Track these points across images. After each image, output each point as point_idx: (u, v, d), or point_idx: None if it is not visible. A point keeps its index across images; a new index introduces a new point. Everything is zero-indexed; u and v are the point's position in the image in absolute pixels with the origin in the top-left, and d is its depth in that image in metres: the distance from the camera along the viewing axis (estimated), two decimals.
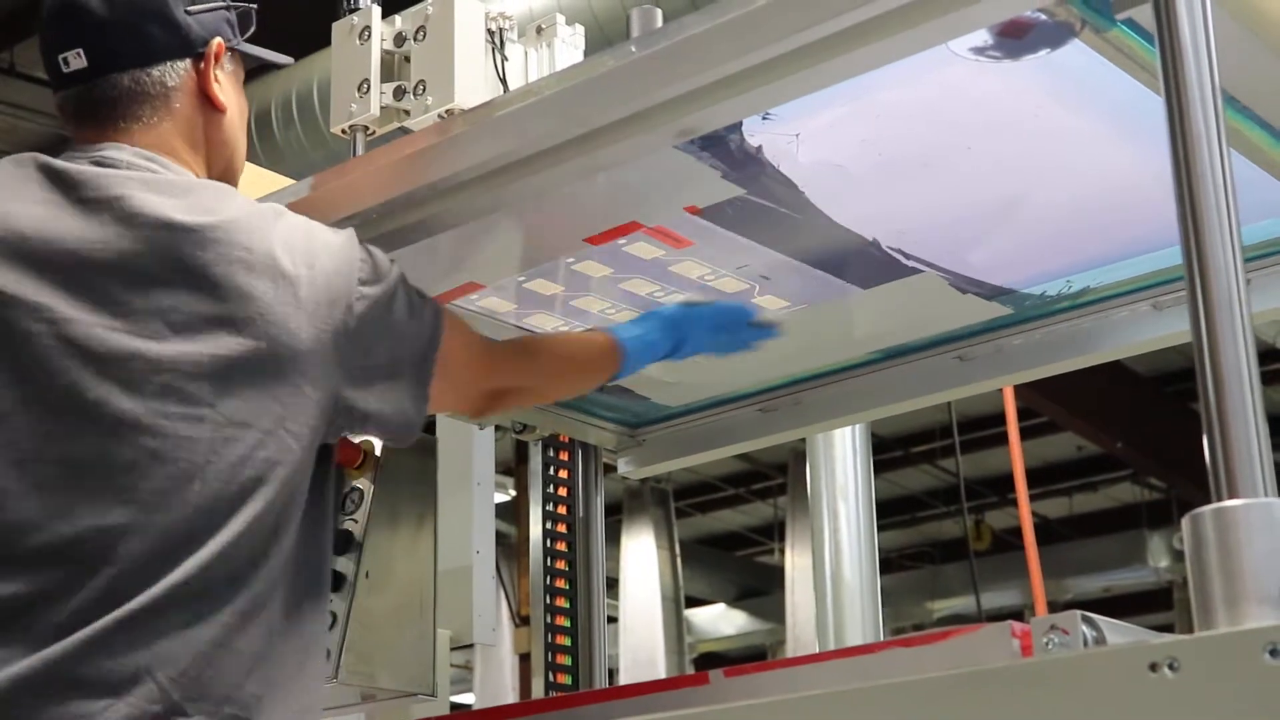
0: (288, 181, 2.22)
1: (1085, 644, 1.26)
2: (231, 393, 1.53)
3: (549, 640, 2.49)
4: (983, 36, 1.56)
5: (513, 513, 7.45)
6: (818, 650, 4.07)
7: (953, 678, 1.23)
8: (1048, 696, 1.18)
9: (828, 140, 1.77)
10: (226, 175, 1.79)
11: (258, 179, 2.52)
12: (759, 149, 1.77)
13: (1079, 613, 1.27)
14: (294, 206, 1.80)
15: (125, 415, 1.51)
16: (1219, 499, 1.19)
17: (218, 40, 1.76)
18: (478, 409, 1.93)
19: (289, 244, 1.61)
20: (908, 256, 2.03)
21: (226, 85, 1.79)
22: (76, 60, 1.70)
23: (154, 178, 1.65)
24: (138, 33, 1.71)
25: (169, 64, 1.73)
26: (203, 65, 1.75)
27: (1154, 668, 1.12)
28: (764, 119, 1.70)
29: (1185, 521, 1.20)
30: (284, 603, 1.55)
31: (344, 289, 1.62)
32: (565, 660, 2.50)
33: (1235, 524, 1.17)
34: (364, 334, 1.62)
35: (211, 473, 1.51)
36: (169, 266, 1.56)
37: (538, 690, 2.52)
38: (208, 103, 1.76)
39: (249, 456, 1.52)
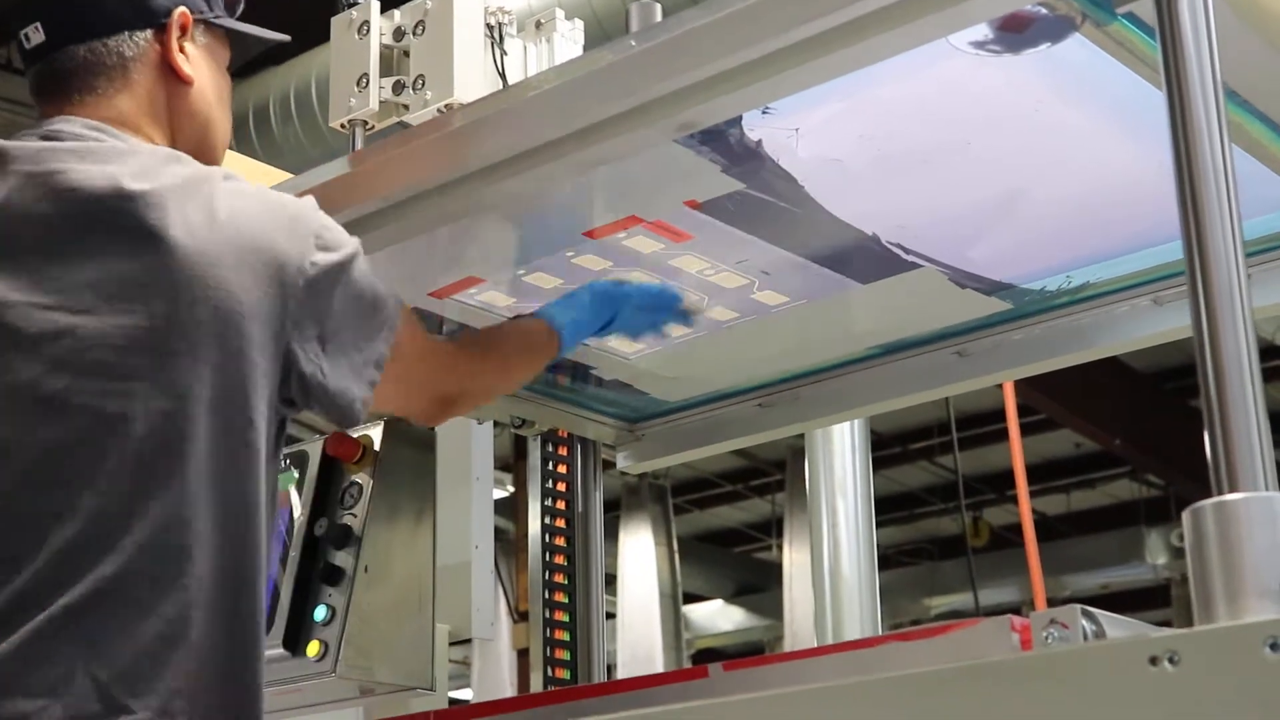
0: (287, 176, 2.22)
1: (1085, 638, 1.26)
2: (167, 362, 1.49)
3: (547, 635, 2.49)
4: (983, 30, 1.56)
5: (511, 509, 7.46)
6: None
7: (953, 671, 1.23)
8: (1047, 690, 1.17)
9: (828, 135, 1.77)
10: (201, 150, 1.73)
11: (259, 173, 2.51)
12: (759, 143, 1.77)
13: (1078, 607, 1.27)
14: None
15: (55, 395, 1.48)
16: (1219, 493, 1.19)
17: (181, 10, 1.72)
18: (429, 412, 1.89)
19: (234, 208, 1.57)
20: (907, 251, 2.02)
21: (196, 58, 1.74)
22: (35, 35, 1.68)
23: (94, 147, 1.62)
24: (92, 3, 1.69)
25: (127, 34, 1.70)
26: (165, 36, 1.71)
27: (1154, 661, 1.12)
28: (764, 113, 1.70)
29: (1186, 515, 1.20)
30: (228, 590, 1.51)
31: (296, 252, 1.57)
32: (564, 655, 2.50)
33: (1236, 518, 1.17)
34: (317, 300, 1.58)
35: (146, 448, 1.47)
36: (103, 236, 1.53)
37: (536, 685, 2.51)
38: (172, 75, 1.72)
39: (187, 428, 1.48)
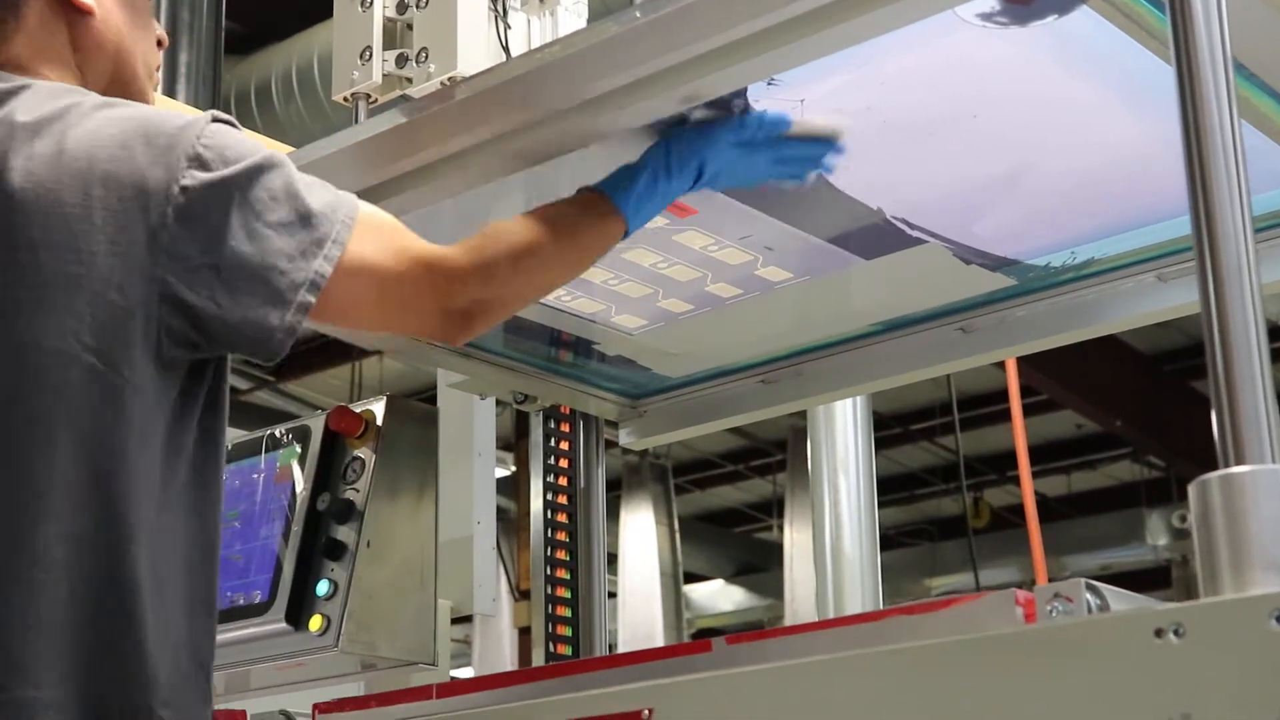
0: (289, 150, 2.21)
1: (1089, 611, 1.25)
2: (20, 315, 1.39)
3: (549, 613, 2.49)
4: (990, 2, 1.55)
5: (512, 488, 7.47)
6: None
7: (957, 644, 1.23)
8: (1052, 663, 1.17)
9: (833, 107, 1.76)
10: (117, 83, 1.62)
11: None
12: None
13: (1083, 580, 1.26)
14: None
15: None
16: (1226, 466, 1.19)
17: None
18: (444, 330, 1.60)
19: (88, 138, 1.45)
20: (912, 227, 2.02)
21: None
22: None
23: None
24: None
25: None
26: None
27: (1159, 634, 1.11)
28: (769, 85, 1.69)
29: (1192, 488, 1.20)
30: (100, 571, 1.38)
31: (161, 177, 1.43)
32: (565, 632, 2.50)
33: (1242, 490, 1.17)
34: (197, 224, 1.42)
35: (12, 411, 1.37)
36: None
37: (538, 663, 2.52)
38: (70, 6, 1.59)
39: (32, 381, 1.38)
